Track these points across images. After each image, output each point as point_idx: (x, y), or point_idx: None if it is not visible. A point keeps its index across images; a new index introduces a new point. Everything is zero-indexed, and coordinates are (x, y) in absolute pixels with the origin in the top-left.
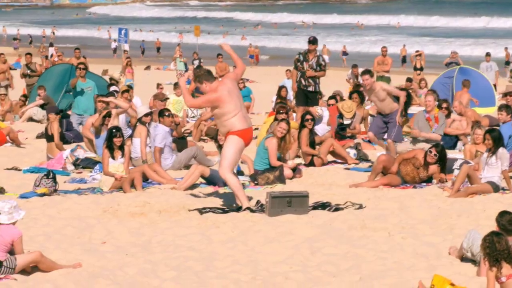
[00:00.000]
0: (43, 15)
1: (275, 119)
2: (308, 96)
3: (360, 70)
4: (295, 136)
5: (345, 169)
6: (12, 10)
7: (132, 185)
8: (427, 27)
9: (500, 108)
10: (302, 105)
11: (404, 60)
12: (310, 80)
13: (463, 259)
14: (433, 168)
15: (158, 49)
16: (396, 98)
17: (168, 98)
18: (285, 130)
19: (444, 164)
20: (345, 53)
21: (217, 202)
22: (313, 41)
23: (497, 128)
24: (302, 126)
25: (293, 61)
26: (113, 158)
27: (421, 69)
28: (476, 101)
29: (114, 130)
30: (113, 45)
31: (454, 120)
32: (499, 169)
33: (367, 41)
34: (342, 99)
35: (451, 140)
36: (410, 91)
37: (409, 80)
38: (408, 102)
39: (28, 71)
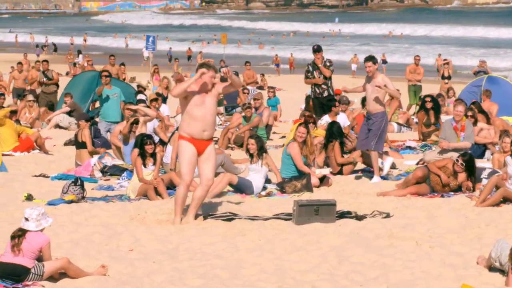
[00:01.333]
0: (73, 23)
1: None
2: (324, 104)
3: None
4: (322, 143)
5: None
6: (41, 17)
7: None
8: (456, 37)
9: None
10: (321, 115)
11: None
12: (323, 86)
13: (491, 269)
14: (462, 177)
15: (189, 57)
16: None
17: None
18: (304, 134)
19: (472, 173)
20: (384, 62)
21: (244, 210)
22: (317, 50)
23: None
24: (333, 137)
25: (304, 73)
26: (145, 165)
27: (449, 77)
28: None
29: (145, 138)
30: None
31: (482, 129)
32: None
33: (398, 50)
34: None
35: (479, 149)
36: (439, 99)
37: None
38: (436, 109)
39: (45, 79)
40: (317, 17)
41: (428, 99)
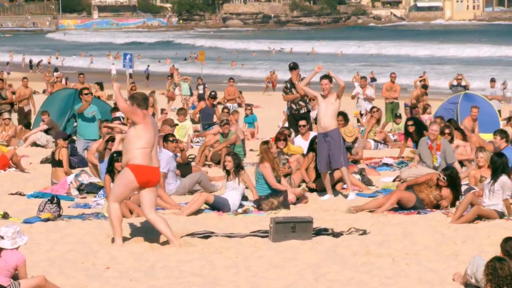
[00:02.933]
0: (47, 41)
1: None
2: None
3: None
4: (300, 161)
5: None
6: (13, 36)
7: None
8: (433, 56)
9: (495, 132)
10: (296, 133)
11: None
12: (301, 102)
13: (467, 285)
14: (446, 192)
15: (172, 75)
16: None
17: (177, 124)
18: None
19: (456, 187)
20: (373, 79)
21: (221, 228)
22: (293, 67)
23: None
24: (311, 149)
25: (282, 90)
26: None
27: (425, 94)
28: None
29: (115, 155)
30: (113, 70)
31: (458, 146)
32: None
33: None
34: (346, 119)
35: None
36: (413, 110)
37: (424, 87)
38: (418, 131)
39: None
40: (299, 35)
41: (410, 122)
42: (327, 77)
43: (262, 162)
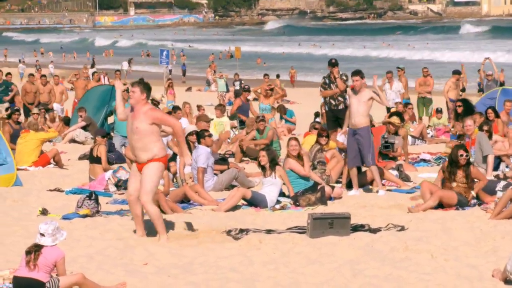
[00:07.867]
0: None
1: (317, 142)
2: (338, 117)
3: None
4: (337, 156)
5: (387, 191)
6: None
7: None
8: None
9: None
10: (334, 128)
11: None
12: (340, 98)
13: (507, 281)
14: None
15: (214, 72)
16: None
17: (212, 119)
18: (296, 147)
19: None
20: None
21: (258, 224)
22: (335, 63)
23: None
24: None
25: (320, 86)
26: None
27: (463, 90)
28: None
29: None
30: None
31: (496, 141)
32: None
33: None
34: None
35: (494, 161)
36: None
37: (457, 72)
38: (466, 113)
39: None
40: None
41: (458, 103)
42: (358, 73)
43: (285, 159)
